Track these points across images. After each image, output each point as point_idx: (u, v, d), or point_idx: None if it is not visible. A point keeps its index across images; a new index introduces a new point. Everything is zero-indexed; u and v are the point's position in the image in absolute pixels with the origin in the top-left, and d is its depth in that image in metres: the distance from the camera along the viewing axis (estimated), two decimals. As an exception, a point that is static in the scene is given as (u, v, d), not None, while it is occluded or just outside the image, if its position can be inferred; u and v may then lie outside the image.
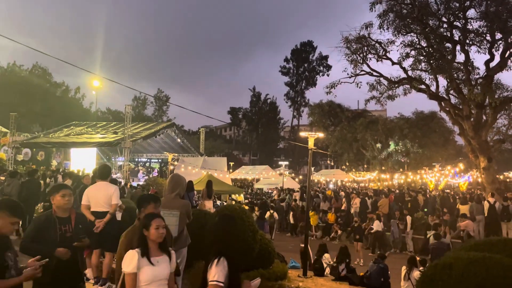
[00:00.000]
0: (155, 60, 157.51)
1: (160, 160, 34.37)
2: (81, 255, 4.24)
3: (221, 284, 2.88)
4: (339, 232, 17.02)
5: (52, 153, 29.12)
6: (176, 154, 29.30)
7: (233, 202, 19.50)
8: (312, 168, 20.50)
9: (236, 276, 3.00)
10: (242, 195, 23.44)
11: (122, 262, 3.13)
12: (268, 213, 17.62)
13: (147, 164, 35.39)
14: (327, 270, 10.08)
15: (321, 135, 13.27)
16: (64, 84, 45.36)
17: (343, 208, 19.55)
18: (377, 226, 14.66)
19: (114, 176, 17.02)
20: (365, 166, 39.42)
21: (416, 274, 8.29)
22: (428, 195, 21.21)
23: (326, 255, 10.31)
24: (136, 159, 33.76)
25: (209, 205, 10.63)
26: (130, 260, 3.06)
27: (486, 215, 14.34)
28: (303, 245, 10.88)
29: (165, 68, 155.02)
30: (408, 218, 15.45)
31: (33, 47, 11.29)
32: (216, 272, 2.90)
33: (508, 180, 28.26)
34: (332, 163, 50.53)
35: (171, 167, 24.05)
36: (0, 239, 3.12)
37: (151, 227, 3.17)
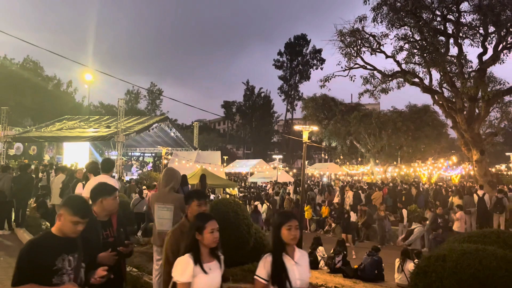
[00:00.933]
0: (148, 54, 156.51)
1: (153, 154, 34.25)
2: (124, 262, 3.85)
3: (261, 280, 2.77)
4: (333, 225, 17.09)
5: (45, 147, 28.92)
6: (170, 148, 29.21)
7: (227, 196, 19.52)
8: (306, 162, 20.53)
9: (280, 273, 2.79)
10: (236, 189, 23.45)
11: (172, 268, 2.82)
12: (265, 206, 17.72)
13: (141, 158, 35.25)
14: (322, 263, 10.14)
15: (315, 128, 13.31)
16: (56, 77, 45.02)
17: (336, 201, 19.64)
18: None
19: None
20: (359, 159, 39.55)
21: (409, 266, 8.36)
22: (421, 188, 21.37)
23: (320, 248, 10.36)
24: (130, 153, 33.60)
25: (203, 199, 10.58)
26: (185, 268, 2.74)
27: (476, 207, 14.48)
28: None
29: (157, 62, 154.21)
30: (404, 212, 15.56)
31: (24, 40, 11.09)
32: (259, 268, 2.81)
33: (500, 172, 28.53)
34: (326, 157, 50.66)
35: (165, 161, 23.97)
36: (55, 240, 2.79)
37: (205, 231, 2.84)
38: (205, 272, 2.76)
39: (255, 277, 2.82)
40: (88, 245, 3.20)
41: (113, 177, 7.81)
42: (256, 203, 17.67)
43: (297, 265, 2.85)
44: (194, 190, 4.76)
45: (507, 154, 26.83)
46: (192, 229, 2.88)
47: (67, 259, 2.76)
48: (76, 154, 25.16)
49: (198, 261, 2.77)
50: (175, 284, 2.78)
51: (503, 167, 33.11)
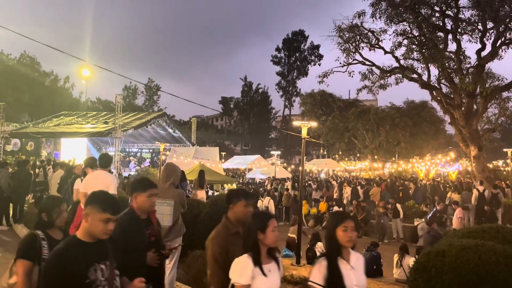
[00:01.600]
0: (145, 50, 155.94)
1: (151, 150, 34.19)
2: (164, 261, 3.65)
3: (317, 286, 2.64)
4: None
5: (42, 143, 28.80)
6: (168, 144, 29.18)
7: (226, 192, 19.55)
8: (304, 158, 20.54)
9: (336, 279, 2.64)
10: (234, 185, 23.47)
11: (230, 269, 2.64)
12: (259, 202, 17.80)
13: (138, 154, 35.18)
14: (321, 259, 10.14)
15: (314, 124, 13.29)
16: (53, 73, 44.74)
17: (335, 197, 19.68)
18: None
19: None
20: (357, 155, 39.62)
21: (408, 261, 8.39)
22: (418, 184, 21.42)
23: (319, 244, 10.37)
24: (127, 149, 33.54)
25: (201, 194, 10.59)
26: (243, 269, 2.57)
27: (475, 203, 14.52)
28: (291, 235, 10.97)
29: (155, 58, 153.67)
30: (398, 206, 15.57)
31: (21, 34, 11.01)
32: (313, 272, 2.71)
33: (497, 168, 28.61)
34: (325, 153, 50.72)
35: (163, 157, 23.95)
36: (83, 247, 2.43)
37: (268, 229, 2.66)
38: (264, 274, 2.59)
39: (310, 283, 2.69)
40: (133, 245, 3.02)
41: (111, 172, 7.85)
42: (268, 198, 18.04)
43: (353, 270, 2.71)
44: (241, 189, 4.22)
45: (504, 150, 26.82)
46: (254, 228, 2.69)
47: (99, 268, 2.45)
48: (74, 150, 25.12)
49: (257, 262, 2.60)
50: (233, 286, 2.62)
51: (500, 163, 33.21)
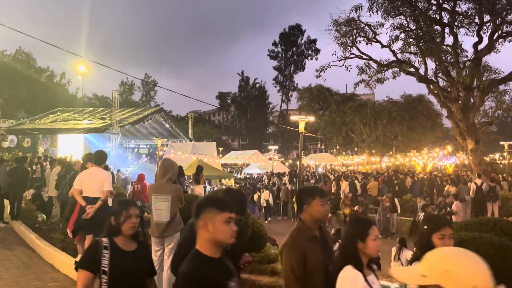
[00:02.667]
0: (142, 45, 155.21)
1: (148, 146, 34.12)
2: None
3: None
4: (329, 215, 17.21)
5: (39, 139, 28.67)
6: (165, 140, 29.14)
7: (223, 187, 19.56)
8: (302, 152, 20.57)
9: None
10: (232, 180, 23.49)
11: (338, 283, 2.36)
12: (256, 196, 17.93)
13: (136, 150, 35.09)
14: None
15: (311, 118, 13.29)
16: (49, 69, 44.54)
17: (332, 191, 19.72)
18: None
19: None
20: (355, 149, 39.70)
21: (406, 254, 8.41)
22: (416, 178, 21.48)
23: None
24: (124, 145, 33.45)
25: (199, 190, 10.58)
26: (355, 283, 2.30)
27: (473, 196, 14.58)
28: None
29: (152, 53, 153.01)
30: (396, 200, 15.63)
31: (16, 30, 10.94)
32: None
33: (494, 162, 28.73)
34: (322, 147, 50.81)
35: (161, 153, 23.93)
36: (213, 264, 2.05)
37: (369, 238, 2.39)
38: (370, 287, 2.32)
39: None
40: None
41: (107, 169, 7.82)
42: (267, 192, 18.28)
43: None
44: (314, 186, 3.54)
45: (501, 143, 26.95)
46: (353, 236, 2.43)
47: (232, 285, 2.10)
48: (71, 146, 25.03)
49: (363, 275, 2.34)
50: None
51: (497, 156, 33.35)
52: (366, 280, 2.31)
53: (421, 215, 13.61)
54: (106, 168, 6.68)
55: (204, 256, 2.05)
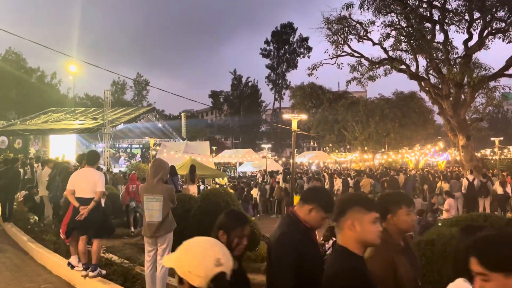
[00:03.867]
0: (133, 44, 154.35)
1: (141, 146, 33.99)
2: None
3: None
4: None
5: (30, 140, 28.42)
6: (158, 139, 29.03)
7: (217, 186, 19.52)
8: (295, 150, 20.61)
9: None
10: (225, 179, 23.45)
11: None
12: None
13: (128, 150, 34.94)
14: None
15: (304, 117, 13.30)
16: (39, 69, 44.12)
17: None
18: None
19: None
20: (347, 147, 39.84)
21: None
22: (408, 174, 21.63)
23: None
24: (117, 145, 33.28)
25: (193, 189, 10.58)
26: None
27: (465, 191, 14.70)
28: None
29: (143, 53, 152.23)
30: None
31: (5, 31, 10.81)
32: None
33: (485, 157, 28.98)
34: (315, 145, 50.94)
35: (154, 152, 23.84)
36: (363, 260, 2.05)
37: None
38: None
39: None
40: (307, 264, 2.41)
41: (101, 169, 7.80)
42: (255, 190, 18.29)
43: None
44: (399, 193, 3.02)
45: (492, 139, 27.21)
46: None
47: None
48: (63, 147, 24.84)
49: None
50: None
51: (488, 152, 33.64)
52: None
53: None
54: (97, 168, 6.63)
55: (353, 253, 2.03)
